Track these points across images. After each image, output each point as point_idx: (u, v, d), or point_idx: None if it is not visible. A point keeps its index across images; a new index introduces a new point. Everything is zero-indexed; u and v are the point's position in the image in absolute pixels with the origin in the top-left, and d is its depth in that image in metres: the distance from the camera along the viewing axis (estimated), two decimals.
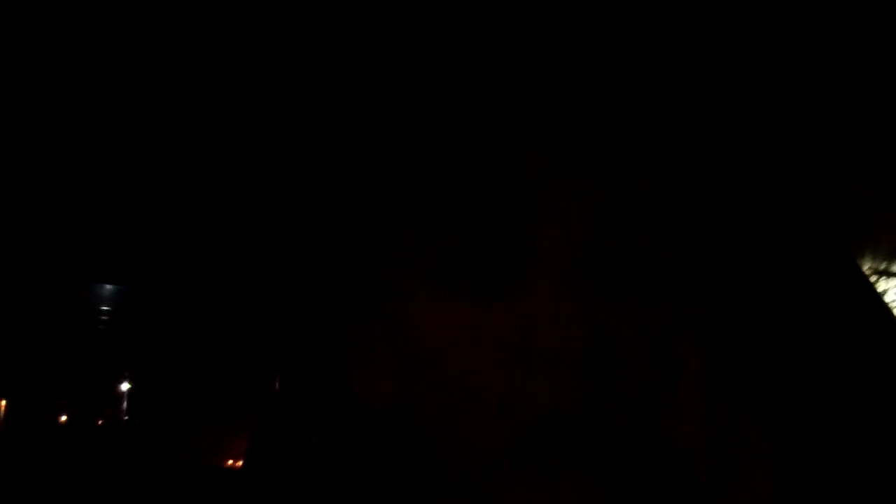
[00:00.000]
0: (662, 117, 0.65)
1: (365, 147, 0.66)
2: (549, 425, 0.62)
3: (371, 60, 0.66)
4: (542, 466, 0.62)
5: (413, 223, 0.64)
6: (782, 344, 0.93)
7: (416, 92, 0.64)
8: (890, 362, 0.79)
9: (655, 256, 0.65)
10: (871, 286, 0.75)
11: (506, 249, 0.62)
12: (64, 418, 13.63)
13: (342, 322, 0.68)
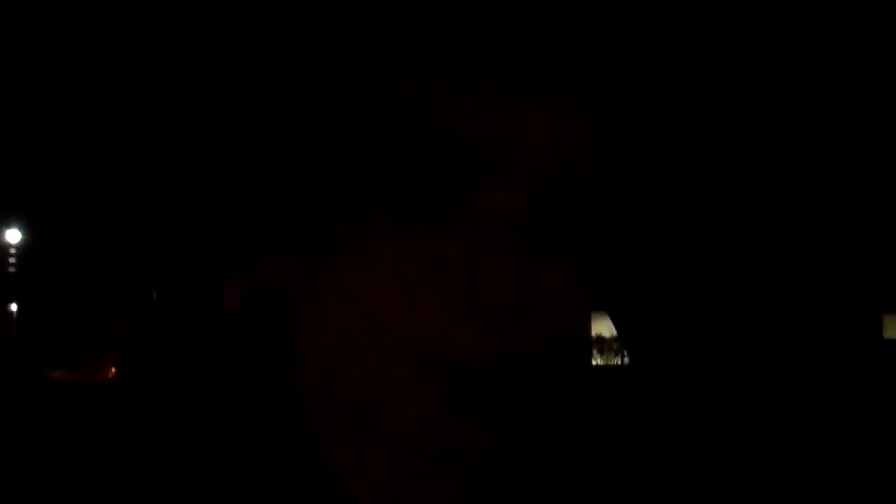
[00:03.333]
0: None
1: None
2: (457, 368, 0.56)
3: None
4: (444, 407, 0.57)
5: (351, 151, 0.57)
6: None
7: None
8: None
9: (586, 215, 0.60)
10: None
11: (451, 186, 0.56)
12: None
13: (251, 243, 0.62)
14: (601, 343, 17.47)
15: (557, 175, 0.58)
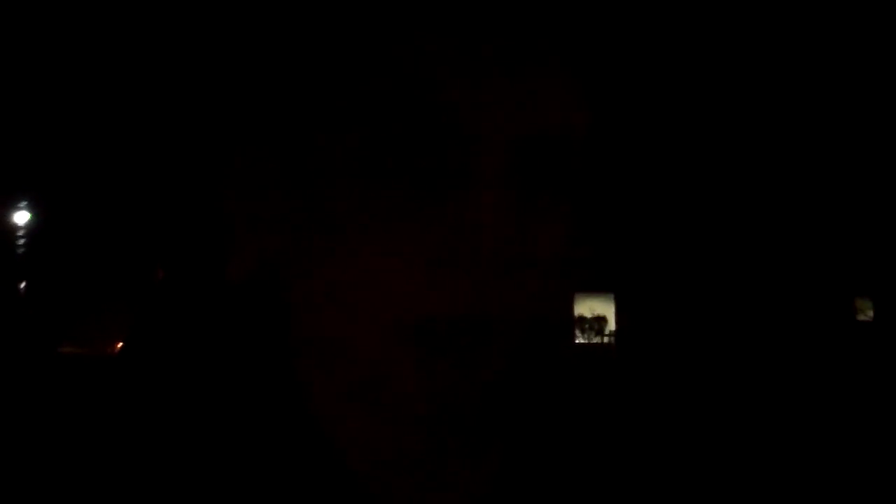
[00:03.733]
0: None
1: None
2: (449, 328, 0.57)
3: None
4: (440, 363, 0.57)
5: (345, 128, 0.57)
6: None
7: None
8: None
9: (572, 178, 0.60)
10: None
11: (445, 159, 0.56)
12: None
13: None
14: (582, 322, 18.30)
15: (541, 140, 0.59)
